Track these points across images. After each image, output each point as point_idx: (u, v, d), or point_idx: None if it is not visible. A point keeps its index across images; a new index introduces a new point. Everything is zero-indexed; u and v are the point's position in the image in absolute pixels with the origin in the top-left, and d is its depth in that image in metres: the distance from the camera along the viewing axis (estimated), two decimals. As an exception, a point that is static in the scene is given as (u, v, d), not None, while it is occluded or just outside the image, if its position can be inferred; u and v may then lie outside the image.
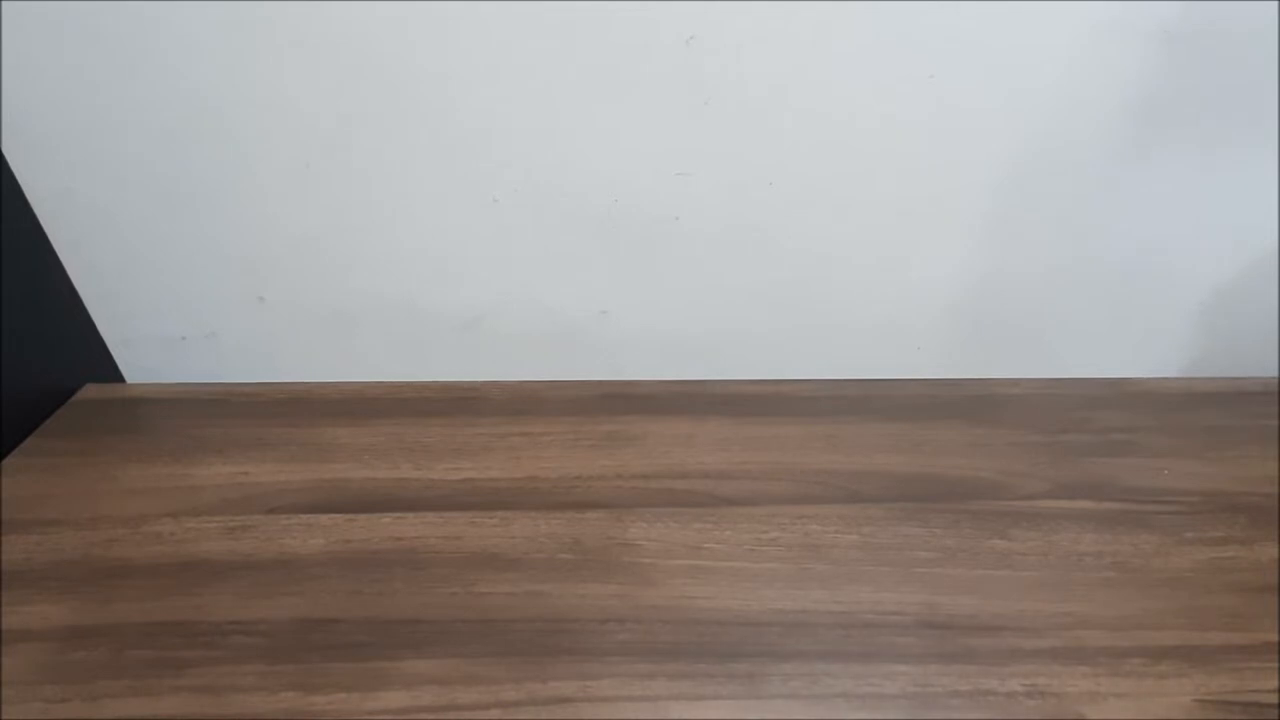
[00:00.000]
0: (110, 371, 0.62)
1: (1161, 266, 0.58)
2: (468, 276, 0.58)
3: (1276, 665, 0.39)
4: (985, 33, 0.48)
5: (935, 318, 0.61)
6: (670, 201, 0.55)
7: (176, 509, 0.48)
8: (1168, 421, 0.57)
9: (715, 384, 0.62)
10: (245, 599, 0.42)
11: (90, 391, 0.60)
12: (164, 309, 0.59)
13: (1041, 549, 0.46)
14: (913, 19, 0.47)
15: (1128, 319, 0.61)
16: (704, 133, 0.51)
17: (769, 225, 0.56)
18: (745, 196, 0.54)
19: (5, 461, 0.52)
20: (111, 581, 0.43)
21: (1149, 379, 0.62)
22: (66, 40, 0.47)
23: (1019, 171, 0.54)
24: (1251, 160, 0.53)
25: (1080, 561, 0.45)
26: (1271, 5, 0.47)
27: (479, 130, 0.51)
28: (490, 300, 0.60)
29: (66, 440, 0.54)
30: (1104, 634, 0.41)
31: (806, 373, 0.62)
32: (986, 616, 0.42)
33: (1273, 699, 0.37)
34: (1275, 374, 0.63)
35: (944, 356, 0.63)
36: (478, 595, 0.43)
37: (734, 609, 0.42)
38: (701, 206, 0.55)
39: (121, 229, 0.55)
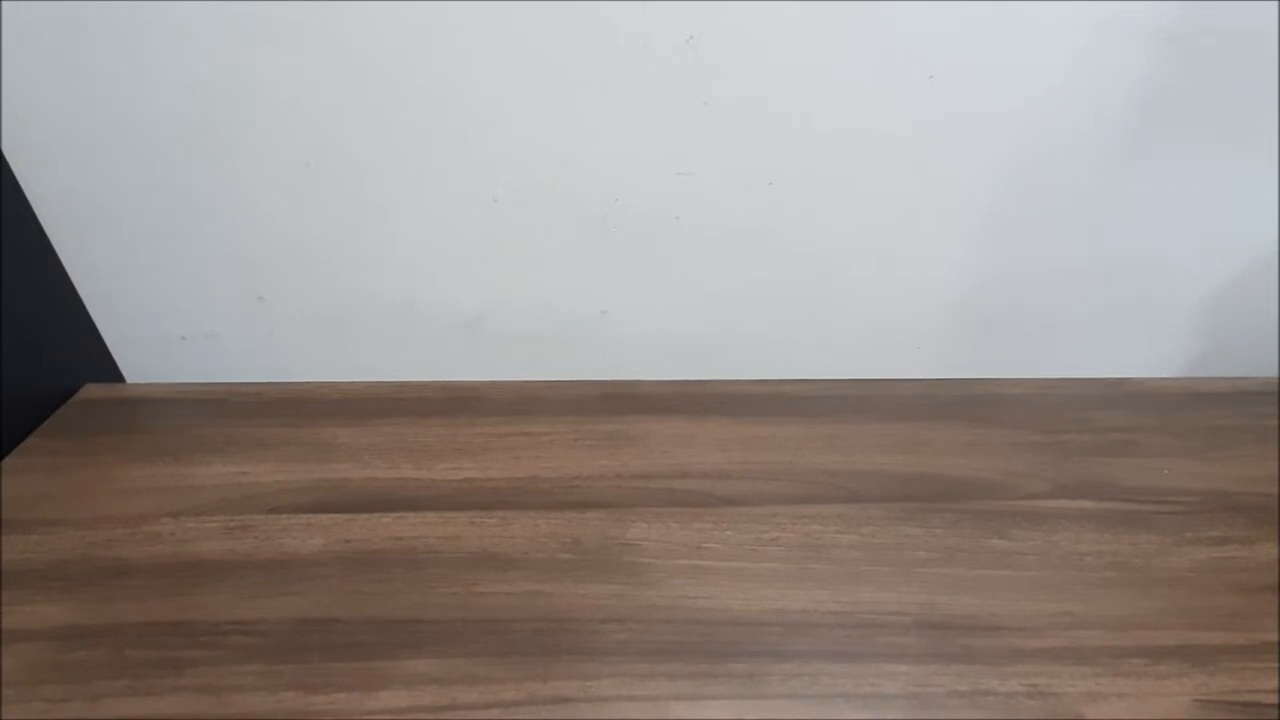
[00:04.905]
0: (110, 371, 0.62)
1: (1161, 266, 0.58)
2: (468, 276, 0.58)
3: (1276, 665, 0.39)
4: (985, 33, 0.48)
5: (935, 318, 0.61)
6: (670, 201, 0.55)
7: (176, 509, 0.48)
8: (1168, 421, 0.57)
9: (715, 384, 0.62)
10: (245, 599, 0.42)
11: (90, 391, 0.60)
12: (164, 309, 0.59)
13: (1041, 549, 0.46)
14: (913, 19, 0.47)
15: (1128, 319, 0.61)
16: (704, 133, 0.51)
17: (769, 225, 0.56)
18: (745, 196, 0.54)
19: (5, 461, 0.52)
20: (111, 581, 0.43)
21: (1149, 379, 0.63)
22: (66, 40, 0.47)
23: (1019, 172, 0.54)
24: (1252, 160, 0.53)
25: (1080, 561, 0.45)
26: (1271, 5, 0.47)
27: (479, 130, 0.51)
28: (490, 300, 0.60)
29: (66, 440, 0.54)
30: (1104, 634, 0.41)
31: (806, 373, 0.62)
32: (986, 616, 0.42)
33: (1273, 699, 0.37)
34: (1275, 374, 0.63)
35: (944, 356, 0.63)
36: (478, 595, 0.43)
37: (734, 609, 0.42)
38: (701, 206, 0.55)
39: (121, 229, 0.55)
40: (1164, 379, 0.63)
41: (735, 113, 0.51)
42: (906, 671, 0.39)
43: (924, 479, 0.52)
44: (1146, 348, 0.63)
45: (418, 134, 0.51)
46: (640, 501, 0.49)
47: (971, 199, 0.55)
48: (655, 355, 0.62)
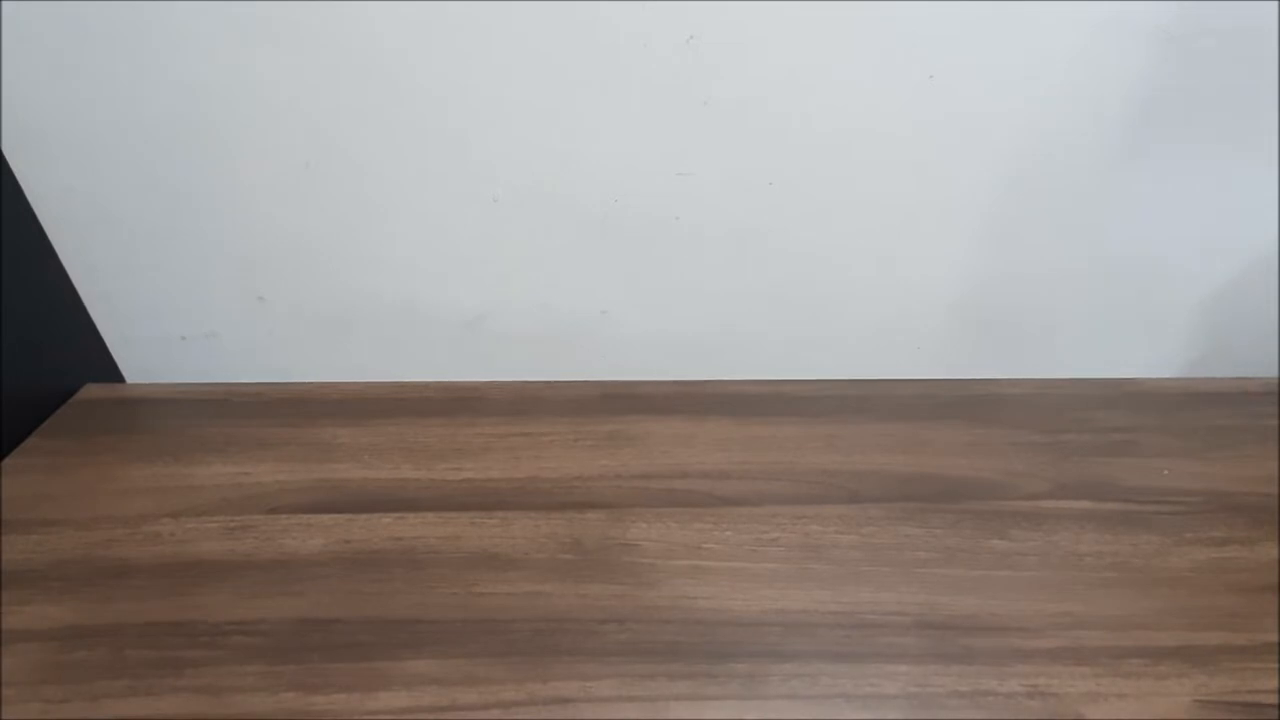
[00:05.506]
0: (110, 371, 0.62)
1: (1161, 266, 0.58)
2: (468, 276, 0.58)
3: (1276, 665, 0.39)
4: (985, 33, 0.48)
5: (935, 318, 0.61)
6: (670, 201, 0.55)
7: (176, 509, 0.48)
8: (1168, 421, 0.57)
9: (715, 384, 0.62)
10: (245, 599, 0.42)
11: (90, 391, 0.60)
12: (164, 309, 0.59)
13: (1041, 549, 0.46)
14: (913, 19, 0.47)
15: (1128, 319, 0.61)
16: (704, 133, 0.51)
17: (769, 225, 0.56)
18: (745, 196, 0.54)
19: (5, 461, 0.52)
20: (111, 581, 0.43)
21: (1149, 379, 0.62)
22: (66, 40, 0.47)
23: (1019, 172, 0.54)
24: (1252, 160, 0.53)
25: (1080, 561, 0.45)
26: (1271, 5, 0.47)
27: (479, 130, 0.51)
28: (490, 300, 0.60)
29: (66, 440, 0.54)
30: (1104, 634, 0.41)
31: (806, 373, 0.62)
32: (986, 616, 0.42)
33: (1273, 699, 0.37)
34: (1275, 374, 0.63)
35: (944, 356, 0.63)
36: (478, 595, 0.43)
37: (734, 609, 0.42)
38: (701, 206, 0.55)
39: (121, 229, 0.55)
40: (1164, 379, 0.63)
41: (735, 113, 0.51)
42: (906, 672, 0.39)
43: (924, 479, 0.52)
44: (1146, 348, 0.63)
45: (418, 134, 0.51)
46: (640, 502, 0.49)
47: (971, 199, 0.55)
48: (655, 355, 0.62)
